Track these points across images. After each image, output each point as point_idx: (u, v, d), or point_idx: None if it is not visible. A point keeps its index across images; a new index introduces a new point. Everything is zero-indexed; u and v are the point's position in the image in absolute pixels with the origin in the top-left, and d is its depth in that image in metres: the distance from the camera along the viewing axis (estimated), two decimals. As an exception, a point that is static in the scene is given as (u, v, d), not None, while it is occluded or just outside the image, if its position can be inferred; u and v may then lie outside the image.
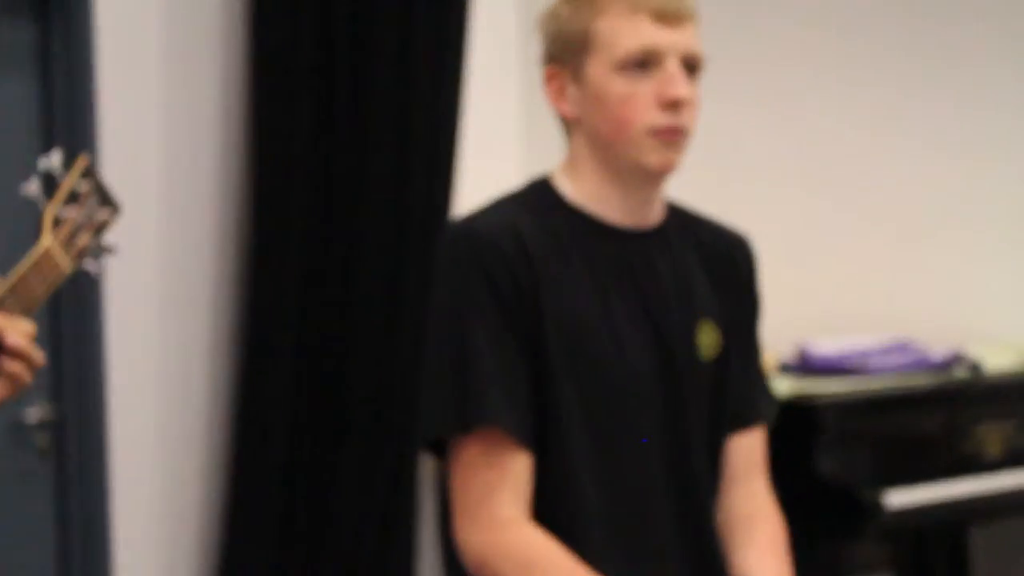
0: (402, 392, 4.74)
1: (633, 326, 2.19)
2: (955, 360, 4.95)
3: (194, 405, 4.62)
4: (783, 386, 4.60)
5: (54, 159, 2.27)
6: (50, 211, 2.28)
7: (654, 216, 2.27)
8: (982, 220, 5.72)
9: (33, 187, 2.26)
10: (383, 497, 4.87)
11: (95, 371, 4.25)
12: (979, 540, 5.40)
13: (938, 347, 5.06)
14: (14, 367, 2.12)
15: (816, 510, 4.45)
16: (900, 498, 4.45)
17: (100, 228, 2.35)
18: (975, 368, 4.93)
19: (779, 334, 4.38)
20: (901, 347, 5.04)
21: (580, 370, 2.15)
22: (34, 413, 4.18)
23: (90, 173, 2.35)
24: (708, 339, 2.26)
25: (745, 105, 5.47)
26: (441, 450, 2.17)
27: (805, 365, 4.86)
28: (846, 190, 5.74)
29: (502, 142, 5.03)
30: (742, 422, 2.35)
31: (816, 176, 5.71)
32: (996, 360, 5.04)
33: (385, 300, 4.72)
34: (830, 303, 5.64)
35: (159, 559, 4.60)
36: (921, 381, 4.85)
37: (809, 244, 5.70)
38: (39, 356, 2.14)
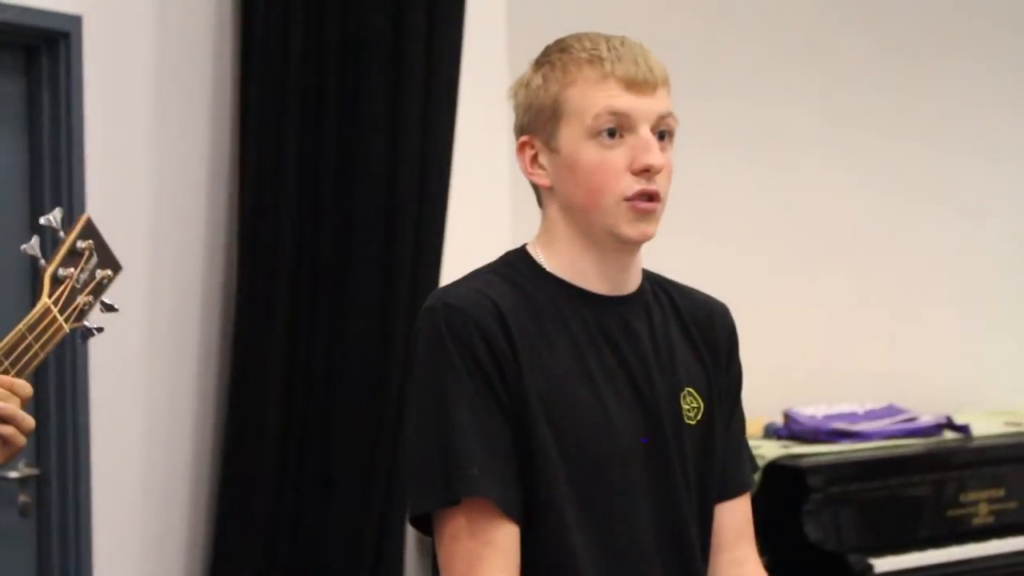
0: (388, 454, 4.73)
1: (616, 390, 2.18)
2: (944, 425, 4.95)
3: (178, 465, 4.60)
4: (769, 450, 4.59)
5: (55, 216, 2.26)
6: (49, 270, 2.27)
7: (632, 283, 2.26)
8: (971, 289, 5.74)
9: (33, 245, 2.24)
10: (371, 549, 4.84)
11: (77, 428, 4.23)
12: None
13: (926, 414, 5.06)
14: (6, 430, 2.10)
15: (805, 575, 4.43)
16: (889, 564, 4.43)
17: (100, 287, 2.34)
18: (964, 432, 4.92)
19: (765, 400, 4.40)
20: (889, 412, 5.04)
21: (565, 437, 2.13)
22: (16, 470, 4.17)
23: (91, 231, 2.33)
24: (691, 404, 2.25)
25: (727, 165, 5.50)
26: (428, 526, 2.16)
27: (792, 430, 4.85)
28: (837, 257, 5.76)
29: (492, 182, 5.03)
30: (729, 491, 2.33)
31: (806, 242, 5.74)
32: (984, 427, 5.04)
33: (373, 359, 4.72)
34: (817, 370, 5.65)
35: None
36: (910, 446, 4.84)
37: (796, 310, 5.72)
38: (30, 421, 2.12)
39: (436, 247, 4.80)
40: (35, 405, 4.16)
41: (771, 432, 4.87)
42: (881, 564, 4.40)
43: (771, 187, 5.71)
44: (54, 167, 4.22)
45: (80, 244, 2.30)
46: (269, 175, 4.55)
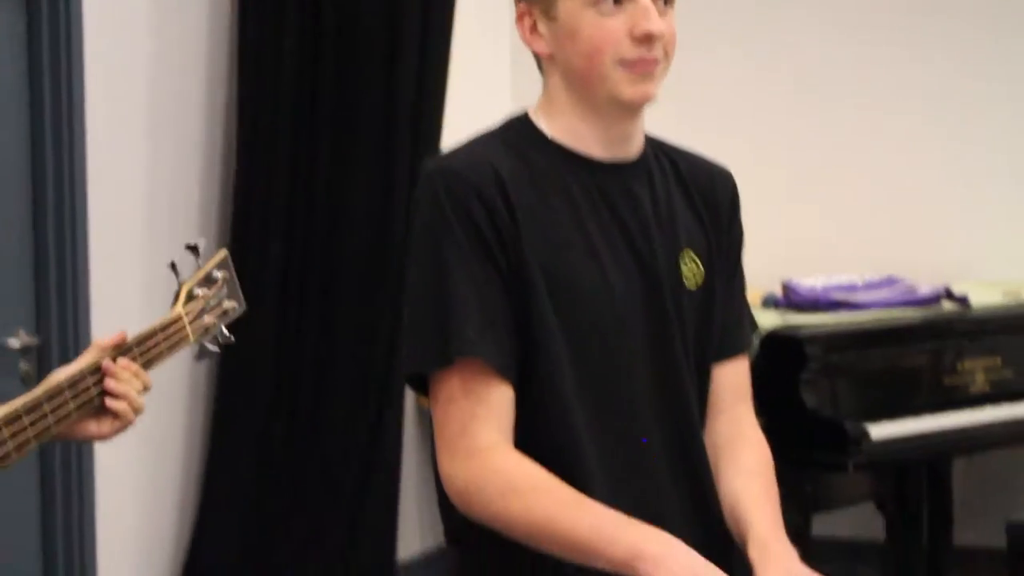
0: (387, 333, 4.77)
1: (615, 255, 2.20)
2: (943, 295, 4.97)
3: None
4: (768, 319, 4.62)
5: (200, 242, 2.58)
6: (188, 285, 2.55)
7: (634, 149, 2.28)
8: (972, 160, 5.73)
9: (176, 263, 2.53)
10: (366, 439, 4.90)
11: (77, 296, 4.25)
12: (961, 472, 5.45)
13: (925, 284, 5.08)
14: (119, 406, 2.32)
15: (801, 441, 4.47)
16: (884, 430, 4.47)
17: (225, 315, 2.62)
18: (963, 303, 4.94)
19: (765, 271, 4.41)
20: (888, 282, 5.06)
21: (563, 300, 2.16)
22: (16, 337, 4.19)
23: (227, 266, 2.64)
24: (691, 268, 2.27)
25: (729, 33, 5.49)
26: (424, 386, 2.18)
27: (791, 300, 4.87)
28: (838, 128, 5.76)
29: (492, 78, 5.03)
30: (727, 351, 2.37)
31: (807, 113, 5.73)
32: (983, 297, 5.06)
33: (372, 240, 4.75)
34: (817, 241, 5.68)
35: (140, 484, 4.62)
36: (908, 316, 4.87)
37: (798, 181, 5.74)
38: (141, 403, 2.35)
39: (436, 116, 4.81)
40: (34, 271, 4.19)
41: (770, 302, 4.89)
42: (877, 430, 4.44)
43: (775, 57, 5.71)
44: (53, 82, 4.22)
45: (216, 273, 2.60)
46: (269, 55, 4.57)
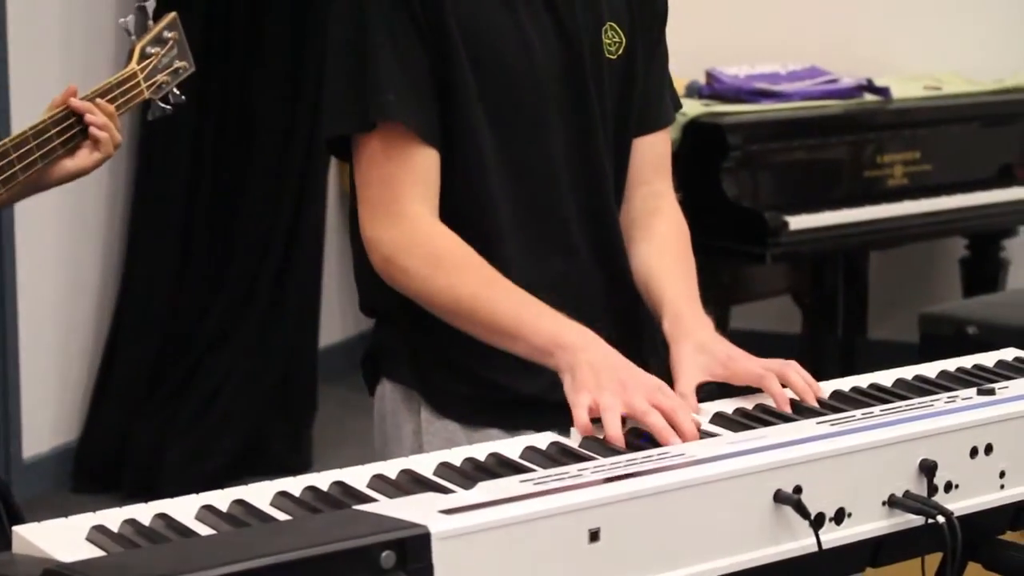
0: (311, 97, 4.76)
1: (537, 23, 2.19)
2: (864, 87, 5.00)
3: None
4: (691, 108, 4.64)
5: (150, 3, 2.74)
6: (140, 44, 2.73)
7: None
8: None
9: (128, 20, 2.71)
10: (290, 207, 4.91)
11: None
12: (876, 266, 5.54)
13: (847, 76, 5.10)
14: (102, 135, 2.59)
15: (720, 233, 4.52)
16: (803, 221, 4.53)
17: (177, 74, 2.78)
18: (884, 95, 4.98)
19: (689, 59, 4.41)
20: (811, 73, 5.08)
21: (484, 67, 2.15)
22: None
23: (176, 27, 2.78)
24: (612, 39, 2.27)
25: None
26: (346, 151, 2.18)
27: (714, 89, 4.89)
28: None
29: None
30: (648, 124, 2.36)
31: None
32: (904, 91, 5.10)
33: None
34: (741, 31, 5.68)
35: (60, 247, 4.63)
36: (830, 107, 4.91)
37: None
38: (119, 138, 2.64)
39: None
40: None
41: (693, 91, 4.90)
42: (796, 221, 4.49)
43: None
44: None
45: (167, 34, 2.75)
46: None
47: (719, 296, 4.97)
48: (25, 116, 4.25)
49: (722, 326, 4.86)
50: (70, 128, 2.59)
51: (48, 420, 4.68)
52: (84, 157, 2.60)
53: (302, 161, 4.92)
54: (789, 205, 4.58)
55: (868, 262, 5.44)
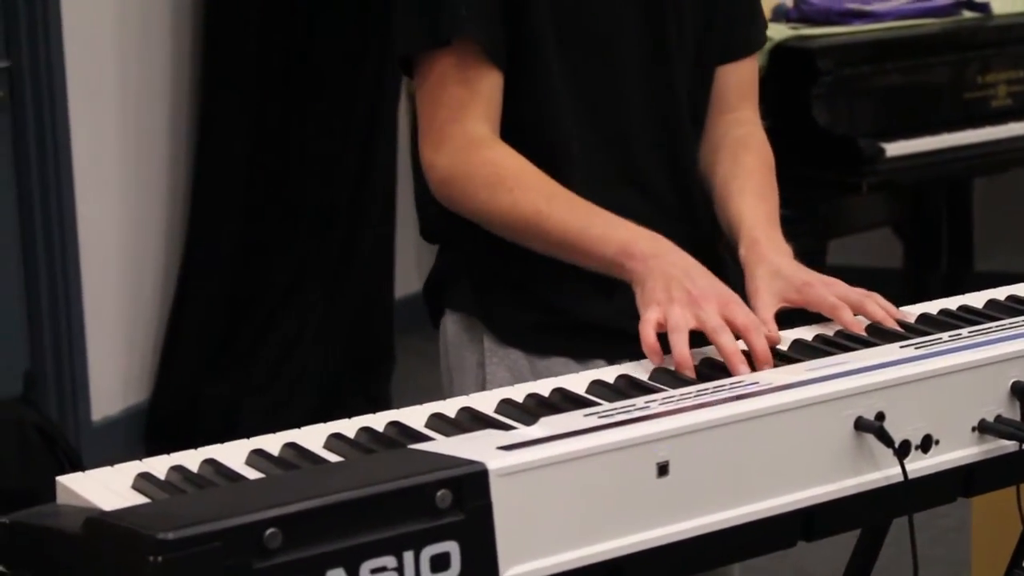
0: (379, 32, 4.78)
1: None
2: (963, 3, 4.92)
3: (157, 55, 4.65)
4: (778, 32, 4.59)
5: None
6: None
7: None
8: None
9: None
10: (358, 150, 4.93)
11: (48, 20, 4.25)
12: (982, 192, 5.47)
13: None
14: None
15: (812, 161, 4.48)
16: (901, 148, 4.48)
17: None
18: (984, 10, 4.91)
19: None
20: (905, -11, 5.01)
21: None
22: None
23: None
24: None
25: None
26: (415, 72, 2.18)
27: (802, 11, 4.83)
28: None
29: None
30: (734, 50, 2.33)
31: None
32: (1005, 5, 5.02)
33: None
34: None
35: (124, 210, 4.67)
36: (926, 25, 4.84)
37: None
38: None
39: None
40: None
41: (780, 14, 4.84)
42: (893, 148, 4.45)
43: None
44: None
45: None
46: None
47: (815, 229, 4.91)
48: (82, 114, 4.35)
49: (819, 261, 4.82)
50: None
51: (117, 382, 4.72)
52: None
53: (371, 104, 4.92)
54: (885, 131, 4.53)
55: (972, 190, 5.38)
